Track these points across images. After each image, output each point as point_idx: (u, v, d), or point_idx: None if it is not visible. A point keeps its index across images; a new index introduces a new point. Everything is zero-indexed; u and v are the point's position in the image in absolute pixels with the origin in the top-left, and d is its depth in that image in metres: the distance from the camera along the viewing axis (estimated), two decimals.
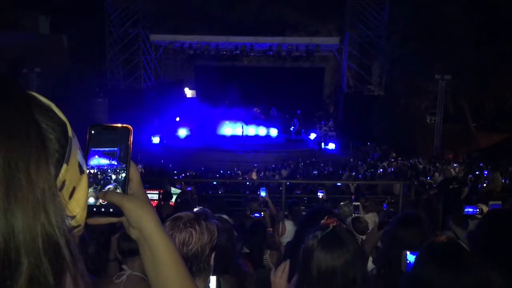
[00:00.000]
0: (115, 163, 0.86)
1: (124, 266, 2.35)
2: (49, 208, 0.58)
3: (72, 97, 23.65)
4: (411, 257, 2.34)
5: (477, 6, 22.15)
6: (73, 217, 0.67)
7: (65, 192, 0.64)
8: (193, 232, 1.72)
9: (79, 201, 0.68)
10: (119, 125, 0.88)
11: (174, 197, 7.64)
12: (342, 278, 1.70)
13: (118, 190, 0.86)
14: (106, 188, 0.86)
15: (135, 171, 0.89)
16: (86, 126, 0.88)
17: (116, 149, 0.86)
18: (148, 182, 10.48)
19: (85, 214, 0.71)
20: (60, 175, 0.62)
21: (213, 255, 1.79)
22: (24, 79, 21.74)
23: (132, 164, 0.88)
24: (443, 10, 22.70)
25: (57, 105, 0.67)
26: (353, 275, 1.71)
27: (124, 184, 0.87)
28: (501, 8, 21.93)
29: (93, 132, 0.86)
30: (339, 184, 13.25)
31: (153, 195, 8.20)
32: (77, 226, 0.69)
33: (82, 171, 0.69)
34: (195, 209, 1.86)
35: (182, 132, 26.24)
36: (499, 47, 22.28)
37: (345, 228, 1.81)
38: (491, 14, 22.18)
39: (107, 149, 0.86)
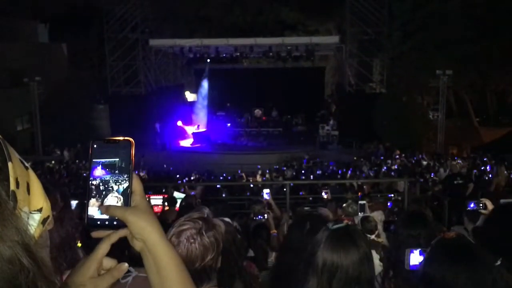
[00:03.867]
0: (118, 175, 0.87)
1: (131, 268, 2.34)
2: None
3: (73, 105, 23.70)
4: (414, 256, 2.33)
5: (474, 1, 22.16)
6: (40, 210, 0.67)
7: (22, 189, 0.64)
8: (197, 247, 1.69)
9: (37, 192, 0.68)
10: (121, 138, 0.89)
11: (179, 201, 7.63)
12: (346, 274, 1.70)
13: (120, 203, 0.87)
14: (107, 200, 0.86)
15: (138, 183, 0.90)
16: (88, 133, 0.88)
17: (117, 160, 0.87)
18: (152, 188, 10.47)
19: (49, 204, 0.71)
20: (11, 173, 0.62)
21: (219, 260, 1.79)
22: (25, 88, 21.82)
23: (134, 176, 0.89)
24: (442, 5, 22.69)
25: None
26: (357, 273, 1.71)
27: (126, 196, 0.87)
28: (501, 2, 21.90)
29: (95, 146, 0.88)
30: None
31: (157, 200, 8.20)
32: (47, 218, 0.69)
33: (26, 167, 0.69)
34: (195, 215, 1.83)
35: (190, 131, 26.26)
36: (500, 41, 22.24)
37: (359, 229, 1.81)
38: (490, 7, 22.16)
39: (109, 161, 0.87)
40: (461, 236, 1.76)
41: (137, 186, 0.89)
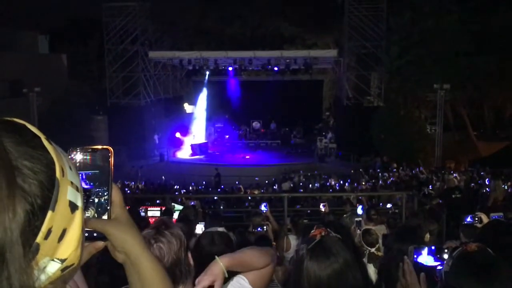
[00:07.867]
0: (97, 186, 0.83)
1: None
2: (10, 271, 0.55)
3: (72, 115, 23.72)
4: (422, 256, 2.28)
5: (472, 17, 22.36)
6: (63, 260, 0.63)
7: (53, 237, 0.60)
8: (161, 246, 1.72)
9: (71, 241, 0.64)
10: (99, 146, 0.85)
11: (177, 213, 7.59)
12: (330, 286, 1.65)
13: (99, 215, 0.84)
14: (86, 212, 0.82)
15: (117, 194, 0.86)
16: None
17: (96, 171, 0.83)
18: (150, 199, 10.43)
19: (80, 252, 0.67)
20: (45, 223, 0.59)
21: (189, 256, 1.79)
22: (24, 98, 21.83)
23: (114, 186, 0.85)
24: (439, 20, 22.86)
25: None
26: (342, 286, 1.65)
27: (106, 208, 0.84)
28: (497, 17, 22.11)
29: (72, 155, 0.83)
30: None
31: (155, 212, 8.16)
32: (71, 265, 0.65)
33: (74, 209, 0.65)
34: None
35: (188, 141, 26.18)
36: (497, 56, 22.39)
37: (334, 237, 1.75)
38: (488, 23, 22.37)
39: (87, 172, 0.83)
40: (483, 249, 1.69)
41: (117, 197, 0.86)
